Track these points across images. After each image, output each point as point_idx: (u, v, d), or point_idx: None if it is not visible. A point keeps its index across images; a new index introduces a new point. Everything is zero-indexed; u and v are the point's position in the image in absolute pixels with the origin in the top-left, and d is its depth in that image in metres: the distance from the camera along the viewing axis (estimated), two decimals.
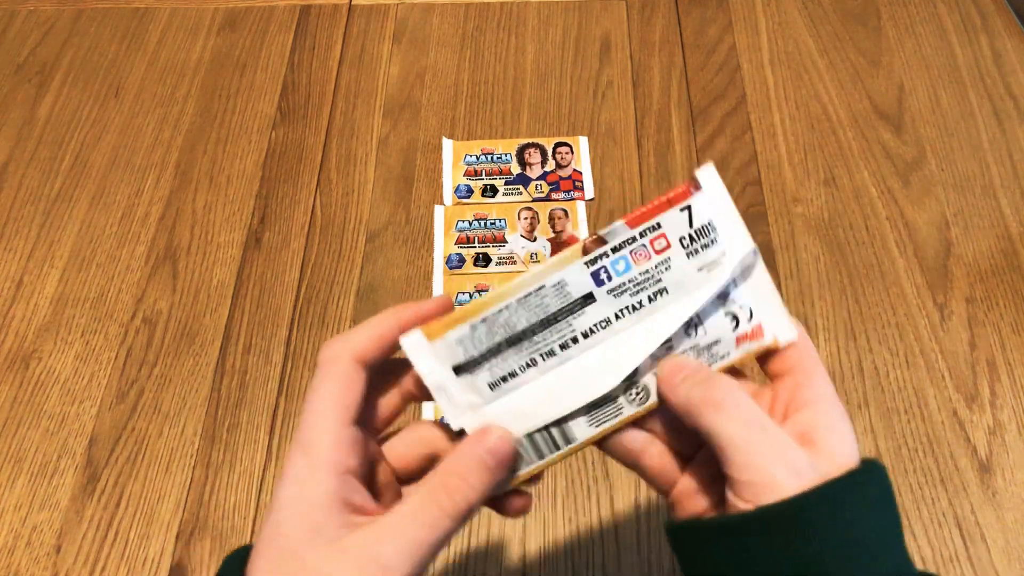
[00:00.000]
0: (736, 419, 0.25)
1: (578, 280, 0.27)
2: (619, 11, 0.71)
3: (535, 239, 0.58)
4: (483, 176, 0.61)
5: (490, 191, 0.61)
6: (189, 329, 0.55)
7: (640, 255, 0.27)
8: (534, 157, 0.62)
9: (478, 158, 0.62)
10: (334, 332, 0.55)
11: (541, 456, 0.28)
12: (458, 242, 0.58)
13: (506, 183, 0.61)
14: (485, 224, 0.59)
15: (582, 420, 0.28)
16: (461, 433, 0.27)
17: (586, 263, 0.27)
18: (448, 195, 0.61)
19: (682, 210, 0.27)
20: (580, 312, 0.27)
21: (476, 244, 0.58)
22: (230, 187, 0.61)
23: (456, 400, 0.27)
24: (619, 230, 0.27)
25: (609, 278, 0.27)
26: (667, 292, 0.27)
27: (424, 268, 0.57)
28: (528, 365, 0.27)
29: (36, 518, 0.48)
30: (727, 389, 0.26)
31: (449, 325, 0.27)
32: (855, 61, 0.68)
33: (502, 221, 0.59)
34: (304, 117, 0.65)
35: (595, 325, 0.27)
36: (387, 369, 0.29)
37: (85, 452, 0.50)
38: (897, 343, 0.54)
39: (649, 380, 0.28)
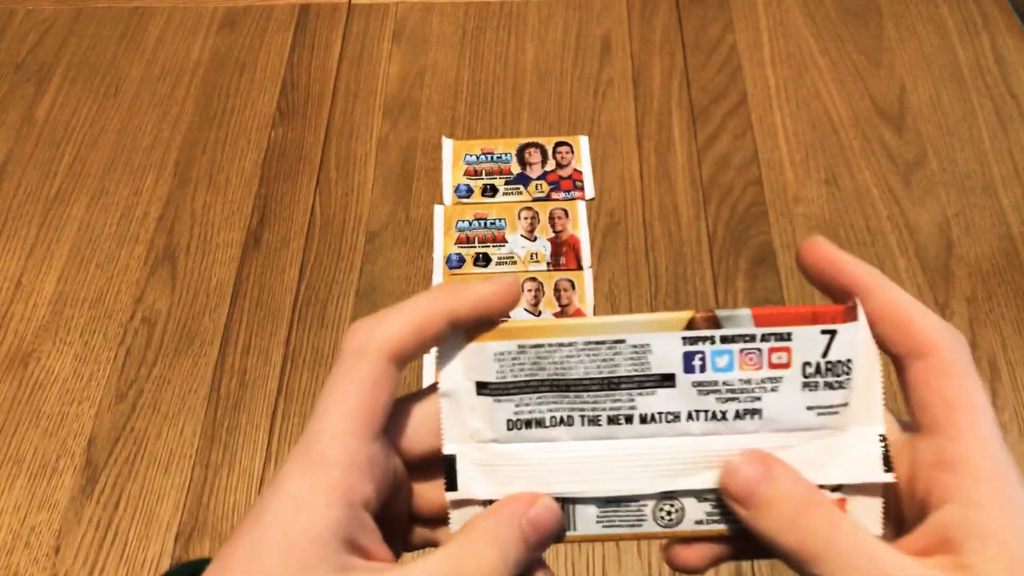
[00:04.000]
0: None
1: (666, 353, 0.22)
2: (620, 10, 0.71)
3: (535, 239, 0.58)
4: (483, 176, 0.61)
5: (490, 191, 0.60)
6: (188, 329, 0.55)
7: (750, 359, 0.22)
8: (534, 156, 0.62)
9: (478, 158, 0.62)
10: (334, 332, 0.55)
11: None
12: (458, 242, 0.58)
13: (506, 183, 0.61)
14: (485, 224, 0.59)
15: (592, 511, 0.23)
16: (451, 463, 0.23)
17: (685, 339, 0.22)
18: (448, 195, 0.60)
19: (824, 332, 0.22)
20: (651, 391, 0.22)
21: (476, 244, 0.58)
22: (229, 187, 0.61)
23: (463, 419, 0.23)
24: (741, 320, 0.22)
25: (703, 368, 0.22)
26: (759, 417, 0.22)
27: (424, 268, 0.57)
28: (562, 422, 0.23)
29: (35, 519, 0.48)
30: (835, 536, 0.19)
31: (494, 333, 0.23)
32: (856, 60, 0.67)
33: (502, 221, 0.59)
34: (303, 116, 0.65)
35: (660, 414, 0.23)
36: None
37: (84, 453, 0.50)
38: None
39: (690, 503, 0.23)
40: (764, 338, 0.22)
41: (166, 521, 0.48)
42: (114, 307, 0.56)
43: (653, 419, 0.23)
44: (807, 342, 0.22)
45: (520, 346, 0.22)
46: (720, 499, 0.23)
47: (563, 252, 0.57)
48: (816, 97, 0.65)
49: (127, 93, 0.66)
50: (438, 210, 0.59)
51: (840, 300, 0.22)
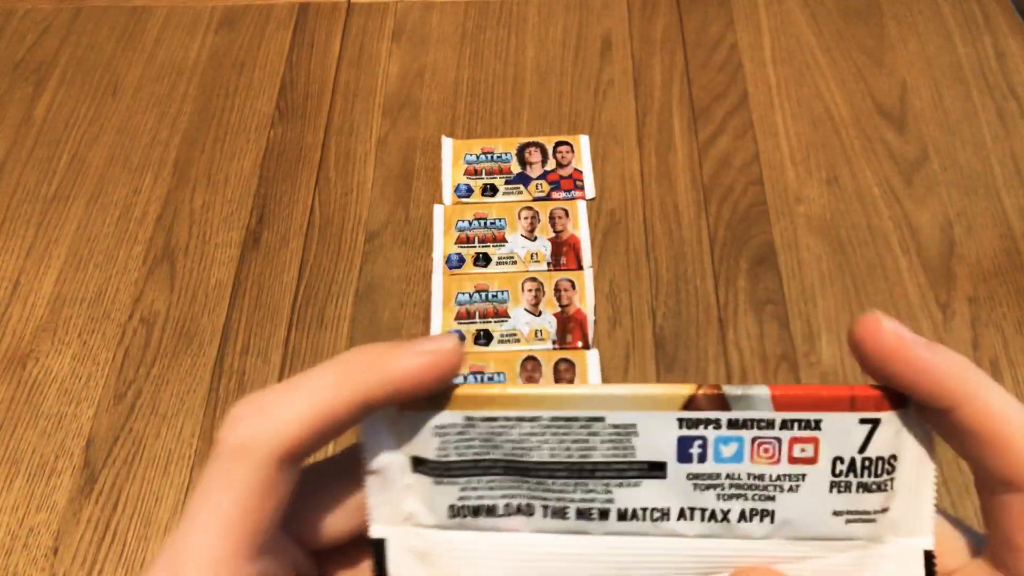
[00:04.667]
0: None
1: (657, 437, 0.18)
2: (620, 9, 0.71)
3: (535, 239, 0.58)
4: (483, 175, 0.61)
5: (490, 190, 0.60)
6: (187, 329, 0.54)
7: (765, 451, 0.18)
8: (534, 156, 0.62)
9: (478, 157, 0.62)
10: (333, 333, 0.55)
11: None
12: (458, 242, 0.58)
13: (506, 182, 0.61)
14: (485, 224, 0.59)
15: None
16: (379, 548, 0.18)
17: (682, 421, 0.18)
18: (448, 194, 0.60)
19: (864, 422, 0.17)
20: (634, 482, 0.18)
21: (476, 244, 0.58)
22: (228, 186, 0.61)
23: (396, 498, 0.18)
24: (757, 401, 0.17)
25: (703, 458, 0.18)
26: (771, 520, 0.18)
27: (424, 268, 0.57)
28: (519, 511, 0.18)
29: (33, 519, 0.48)
30: None
31: (436, 401, 0.18)
32: (857, 59, 0.67)
33: (502, 220, 0.59)
34: (303, 116, 0.65)
35: (644, 511, 0.18)
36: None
37: (82, 453, 0.50)
38: None
39: None
40: (785, 425, 0.17)
41: (165, 522, 0.48)
42: (112, 307, 0.56)
43: (635, 515, 0.18)
44: (841, 433, 0.17)
45: (468, 418, 0.18)
46: None
47: (563, 252, 0.57)
48: (817, 96, 0.65)
49: (126, 92, 0.66)
50: (438, 210, 0.59)
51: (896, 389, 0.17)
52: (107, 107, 0.65)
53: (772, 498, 0.18)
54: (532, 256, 0.57)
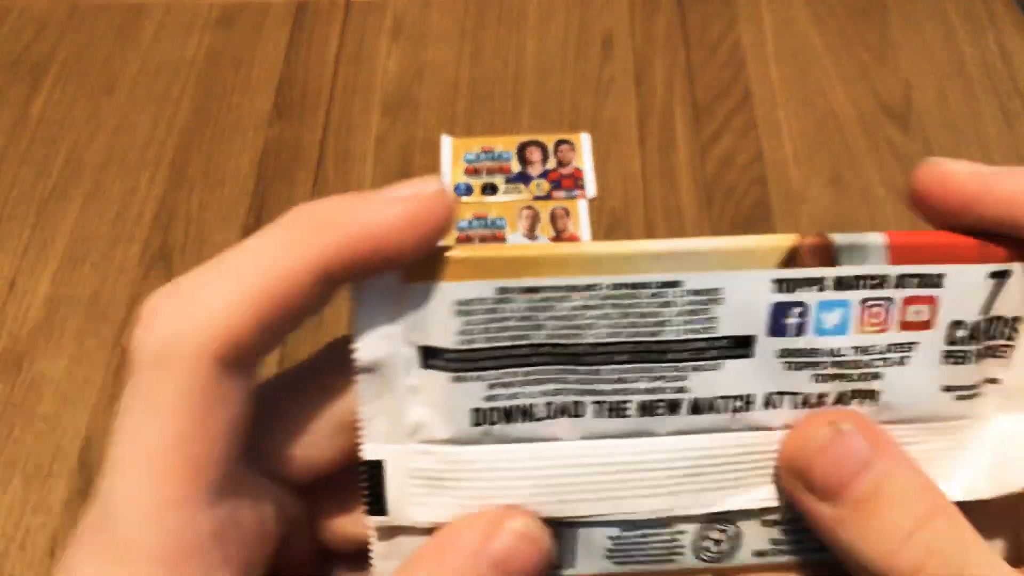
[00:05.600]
0: None
1: (746, 304, 0.14)
2: (621, 6, 0.71)
3: (536, 238, 0.58)
4: (483, 174, 0.61)
5: (490, 189, 0.60)
6: None
7: (875, 316, 0.14)
8: (535, 155, 0.62)
9: (478, 156, 0.62)
10: (331, 334, 0.54)
11: None
12: (457, 241, 0.57)
13: (506, 181, 0.60)
14: (485, 223, 0.58)
15: (601, 541, 0.15)
16: (375, 474, 0.15)
17: (780, 283, 0.14)
18: None
19: (993, 275, 0.14)
20: (713, 364, 0.14)
21: (476, 243, 0.57)
22: (225, 185, 0.61)
23: (397, 405, 0.14)
24: (871, 252, 0.14)
25: (800, 329, 0.14)
26: (872, 402, 0.15)
27: None
28: (565, 412, 0.14)
29: (30, 521, 0.47)
30: (967, 564, 0.12)
31: (453, 267, 0.14)
32: (861, 58, 0.67)
33: (502, 220, 0.58)
34: (301, 114, 0.64)
35: (724, 400, 0.15)
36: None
37: (79, 455, 0.50)
38: None
39: (751, 528, 0.15)
40: (900, 282, 0.14)
41: None
42: (109, 308, 0.55)
43: (712, 407, 0.14)
44: (964, 290, 0.14)
45: (502, 289, 0.14)
46: (795, 520, 0.15)
47: None
48: (821, 95, 0.65)
49: (122, 91, 0.66)
50: None
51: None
52: (103, 105, 0.65)
53: (878, 375, 0.14)
54: None
